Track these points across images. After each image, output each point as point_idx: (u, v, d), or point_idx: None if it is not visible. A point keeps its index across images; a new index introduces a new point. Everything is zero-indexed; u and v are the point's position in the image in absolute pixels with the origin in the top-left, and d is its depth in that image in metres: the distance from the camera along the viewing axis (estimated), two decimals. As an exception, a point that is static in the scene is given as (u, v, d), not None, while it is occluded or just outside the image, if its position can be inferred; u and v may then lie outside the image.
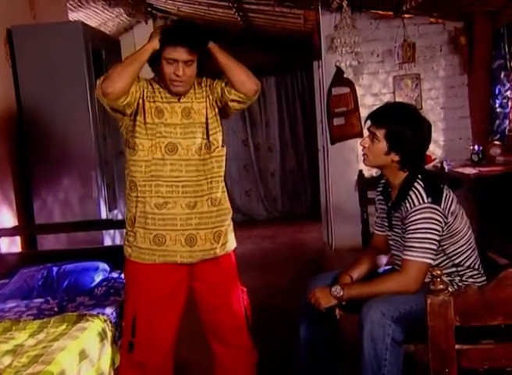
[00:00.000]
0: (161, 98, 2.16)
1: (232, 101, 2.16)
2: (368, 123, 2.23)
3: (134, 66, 2.04)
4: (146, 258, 2.18)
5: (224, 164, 2.27)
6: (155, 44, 2.06)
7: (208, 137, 2.18)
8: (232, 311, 2.29)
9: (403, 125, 2.14)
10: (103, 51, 4.19)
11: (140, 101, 2.13)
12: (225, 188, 2.28)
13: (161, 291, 2.20)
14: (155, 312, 2.19)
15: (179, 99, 2.17)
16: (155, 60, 2.11)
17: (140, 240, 2.17)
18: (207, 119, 2.19)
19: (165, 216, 2.14)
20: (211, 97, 2.21)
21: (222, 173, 2.25)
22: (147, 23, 7.00)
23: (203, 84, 2.22)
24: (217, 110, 2.23)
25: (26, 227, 3.84)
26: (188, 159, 2.15)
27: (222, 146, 2.24)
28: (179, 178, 2.14)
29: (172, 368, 2.32)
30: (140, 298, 2.20)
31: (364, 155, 2.25)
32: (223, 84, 2.18)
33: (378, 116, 2.21)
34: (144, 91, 2.14)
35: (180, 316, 2.28)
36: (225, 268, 2.28)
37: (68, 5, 5.05)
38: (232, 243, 2.30)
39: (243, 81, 2.12)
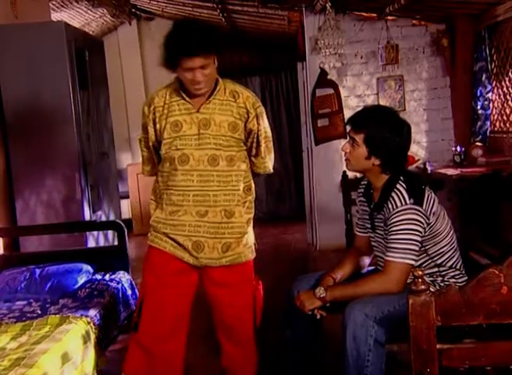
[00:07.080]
0: (180, 110, 2.18)
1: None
2: (348, 127, 2.24)
3: None
4: (159, 243, 2.26)
5: (247, 180, 2.29)
6: None
7: (225, 150, 2.19)
8: (240, 312, 2.31)
9: (381, 129, 2.14)
10: (86, 52, 4.16)
11: (157, 127, 2.21)
12: (248, 203, 2.29)
13: (168, 278, 2.25)
14: (160, 296, 2.24)
15: (198, 110, 2.17)
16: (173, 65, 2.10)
17: (159, 227, 2.28)
18: (226, 131, 2.18)
19: (176, 222, 2.22)
20: (240, 118, 2.20)
21: (241, 188, 2.25)
22: (130, 24, 6.94)
23: (239, 101, 2.20)
24: (242, 131, 2.22)
25: (9, 229, 3.80)
26: (199, 170, 2.18)
27: (244, 162, 2.26)
28: (190, 187, 2.18)
29: (183, 361, 2.32)
30: (150, 280, 2.27)
31: (346, 160, 2.26)
32: (251, 146, 2.28)
33: (357, 121, 2.21)
34: (155, 114, 2.20)
35: (187, 310, 2.30)
36: (236, 274, 2.28)
37: (50, 5, 5.00)
38: (245, 255, 2.28)
39: (263, 173, 2.36)
